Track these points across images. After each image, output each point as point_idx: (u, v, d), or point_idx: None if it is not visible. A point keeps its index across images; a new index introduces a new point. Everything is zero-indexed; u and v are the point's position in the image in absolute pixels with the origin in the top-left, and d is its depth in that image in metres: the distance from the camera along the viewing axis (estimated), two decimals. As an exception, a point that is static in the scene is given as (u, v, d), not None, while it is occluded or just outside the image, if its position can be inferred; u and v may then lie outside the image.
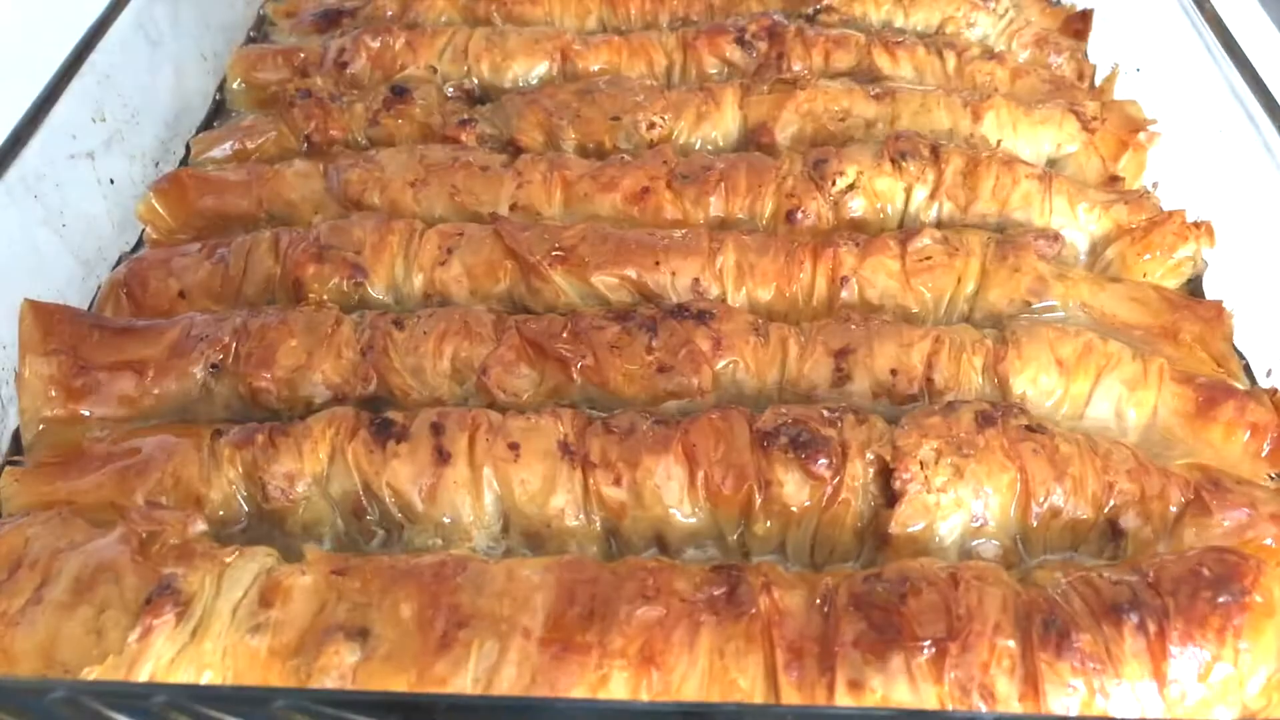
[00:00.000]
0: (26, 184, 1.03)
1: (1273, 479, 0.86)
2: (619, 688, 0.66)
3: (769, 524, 0.80)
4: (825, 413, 0.83)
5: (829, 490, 0.80)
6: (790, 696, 0.66)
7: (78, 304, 1.06)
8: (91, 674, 0.64)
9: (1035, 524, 0.79)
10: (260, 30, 1.47)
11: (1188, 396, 0.88)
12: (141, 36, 1.25)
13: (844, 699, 0.65)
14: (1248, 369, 0.99)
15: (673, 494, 0.80)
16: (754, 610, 0.69)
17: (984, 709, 0.64)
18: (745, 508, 0.80)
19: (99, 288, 1.06)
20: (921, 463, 0.78)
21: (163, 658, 0.66)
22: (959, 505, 0.78)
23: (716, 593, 0.70)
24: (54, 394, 0.88)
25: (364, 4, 1.41)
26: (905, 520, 0.77)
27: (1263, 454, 0.86)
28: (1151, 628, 0.66)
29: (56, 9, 1.25)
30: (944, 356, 0.89)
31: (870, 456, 0.80)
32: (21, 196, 1.02)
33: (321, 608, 0.69)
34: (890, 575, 0.71)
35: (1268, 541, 0.76)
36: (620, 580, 0.70)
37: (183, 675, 0.66)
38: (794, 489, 0.80)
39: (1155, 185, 1.16)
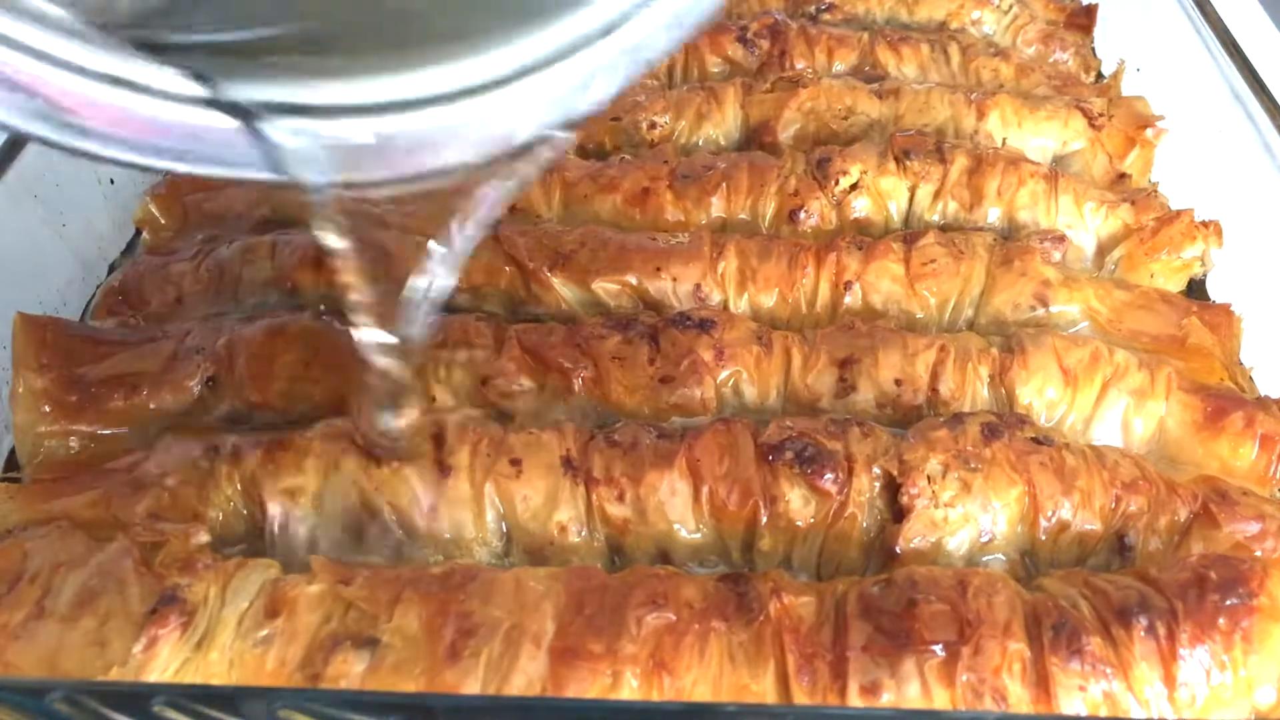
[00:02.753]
0: (26, 184, 1.03)
1: (1280, 494, 0.86)
2: (630, 695, 0.66)
3: (774, 540, 0.80)
4: (830, 425, 0.83)
5: (835, 505, 0.79)
6: (803, 701, 0.66)
7: (77, 304, 1.06)
8: (96, 685, 0.64)
9: (1043, 538, 0.79)
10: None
11: (1195, 407, 0.87)
12: (140, 37, 1.24)
13: (857, 703, 0.65)
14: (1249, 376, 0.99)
15: (676, 510, 0.79)
16: (764, 616, 0.69)
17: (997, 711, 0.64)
18: (750, 523, 0.80)
19: (96, 291, 1.05)
20: (929, 477, 0.78)
21: (168, 668, 0.66)
22: (967, 520, 0.78)
23: (726, 599, 0.70)
24: (48, 409, 0.87)
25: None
26: (912, 536, 0.77)
27: (1272, 468, 0.85)
28: (1161, 630, 0.66)
29: (54, 10, 1.24)
30: (949, 366, 0.89)
31: (877, 471, 0.79)
32: (21, 196, 1.02)
33: (328, 617, 0.69)
34: (899, 580, 0.71)
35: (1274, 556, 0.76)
36: (629, 588, 0.70)
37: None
38: (799, 504, 0.79)
39: (1155, 186, 1.17)
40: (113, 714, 0.55)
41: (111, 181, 1.16)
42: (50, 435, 0.87)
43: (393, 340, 0.70)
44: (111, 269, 1.10)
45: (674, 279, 0.97)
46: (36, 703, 0.55)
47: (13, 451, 0.92)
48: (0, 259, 0.98)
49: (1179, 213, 1.05)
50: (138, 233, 1.15)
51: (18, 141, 1.02)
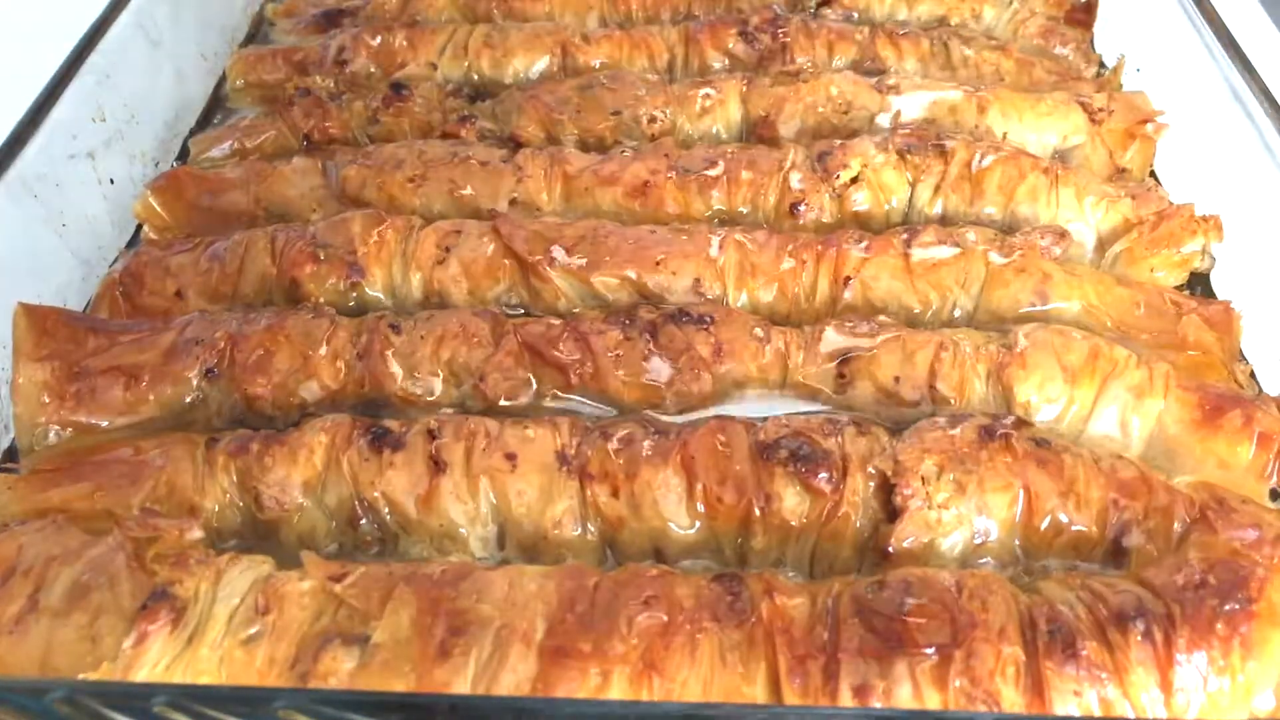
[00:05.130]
0: (26, 184, 1.03)
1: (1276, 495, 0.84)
2: (619, 694, 0.65)
3: (768, 538, 0.79)
4: (826, 424, 0.82)
5: (829, 505, 0.78)
6: (794, 703, 0.65)
7: (77, 304, 1.06)
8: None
9: (1038, 540, 0.78)
10: (260, 30, 1.46)
11: (1194, 404, 0.86)
12: (141, 36, 1.25)
13: (848, 705, 0.64)
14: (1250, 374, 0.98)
15: (671, 506, 0.79)
16: (756, 617, 0.68)
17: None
18: (744, 521, 0.79)
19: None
20: (923, 478, 0.77)
21: (158, 664, 0.66)
22: (961, 522, 0.77)
23: (718, 599, 0.70)
24: (48, 400, 0.87)
25: (364, 3, 1.40)
26: (906, 537, 0.76)
27: (1270, 466, 0.84)
28: (1158, 635, 0.66)
29: (56, 9, 1.24)
30: (948, 363, 0.88)
31: (871, 471, 0.79)
32: (21, 196, 1.02)
33: (319, 614, 0.69)
34: (893, 582, 0.70)
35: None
36: (621, 587, 0.70)
37: (178, 681, 0.66)
38: (794, 503, 0.79)
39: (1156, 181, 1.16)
40: (113, 714, 0.55)
41: (111, 181, 1.16)
42: (50, 426, 0.87)
43: None
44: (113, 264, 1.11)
45: (673, 273, 0.97)
46: (37, 703, 0.55)
47: (11, 444, 0.92)
48: (0, 258, 0.99)
49: (1179, 207, 1.04)
50: (137, 230, 1.15)
51: (18, 141, 1.02)
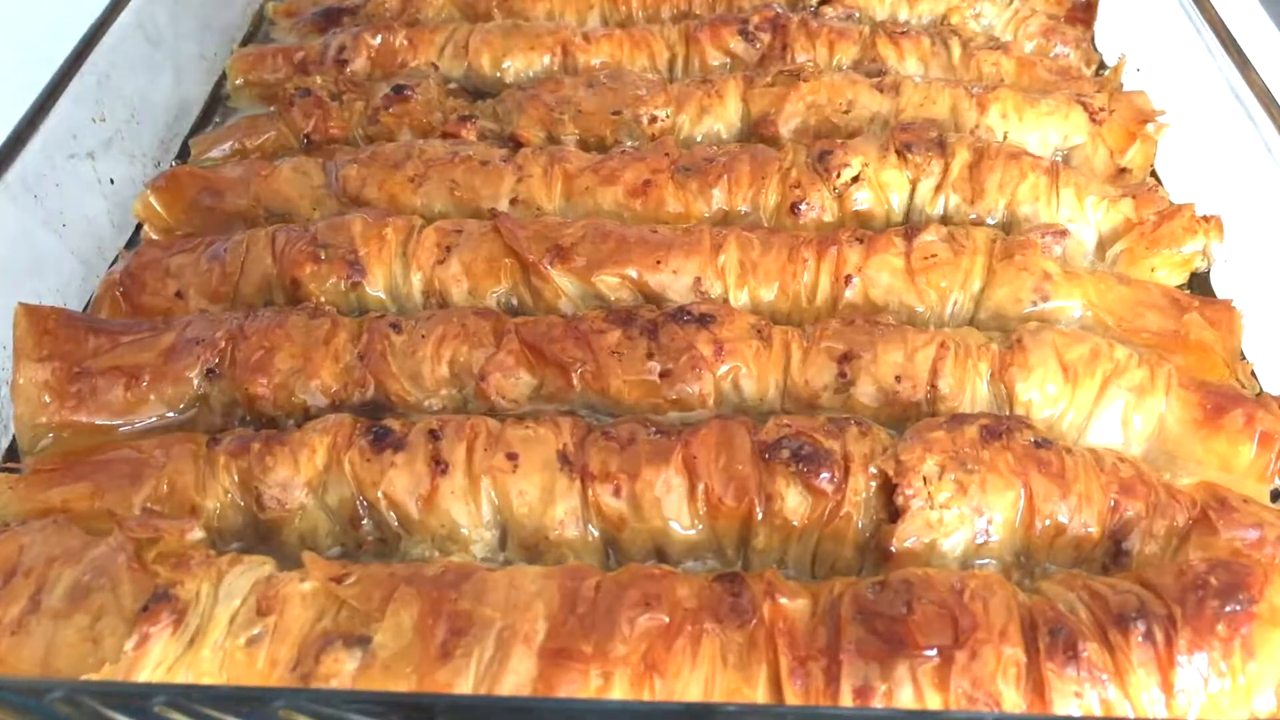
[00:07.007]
0: (26, 184, 1.03)
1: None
2: (621, 696, 0.65)
3: (769, 538, 0.79)
4: (828, 424, 0.82)
5: (830, 505, 0.78)
6: (795, 704, 0.65)
7: (77, 304, 1.06)
8: (89, 682, 0.64)
9: (1039, 541, 0.78)
10: (260, 30, 1.46)
11: (1195, 403, 0.86)
12: (141, 36, 1.25)
13: (849, 706, 0.64)
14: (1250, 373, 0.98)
15: (672, 506, 0.79)
16: (757, 618, 0.68)
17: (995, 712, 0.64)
18: (745, 521, 0.79)
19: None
20: (925, 478, 0.77)
21: (159, 666, 0.66)
22: (962, 522, 0.77)
23: (719, 600, 0.70)
24: (49, 400, 0.87)
25: (364, 2, 1.40)
26: (907, 537, 0.76)
27: (1271, 465, 0.84)
28: (1159, 637, 0.66)
29: (56, 9, 1.24)
30: (949, 362, 0.88)
31: (873, 470, 0.79)
32: (21, 196, 1.02)
33: (320, 615, 0.69)
34: (895, 583, 0.70)
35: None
36: (622, 588, 0.70)
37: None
38: (795, 503, 0.79)
39: (1156, 181, 1.16)
40: (113, 714, 0.55)
41: (111, 181, 1.16)
42: (50, 426, 0.87)
43: None
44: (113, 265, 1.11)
45: (674, 272, 0.97)
46: (36, 702, 0.55)
47: (12, 444, 0.92)
48: (0, 258, 0.99)
49: (1180, 207, 1.04)
50: (137, 230, 1.15)
51: (18, 141, 1.02)
